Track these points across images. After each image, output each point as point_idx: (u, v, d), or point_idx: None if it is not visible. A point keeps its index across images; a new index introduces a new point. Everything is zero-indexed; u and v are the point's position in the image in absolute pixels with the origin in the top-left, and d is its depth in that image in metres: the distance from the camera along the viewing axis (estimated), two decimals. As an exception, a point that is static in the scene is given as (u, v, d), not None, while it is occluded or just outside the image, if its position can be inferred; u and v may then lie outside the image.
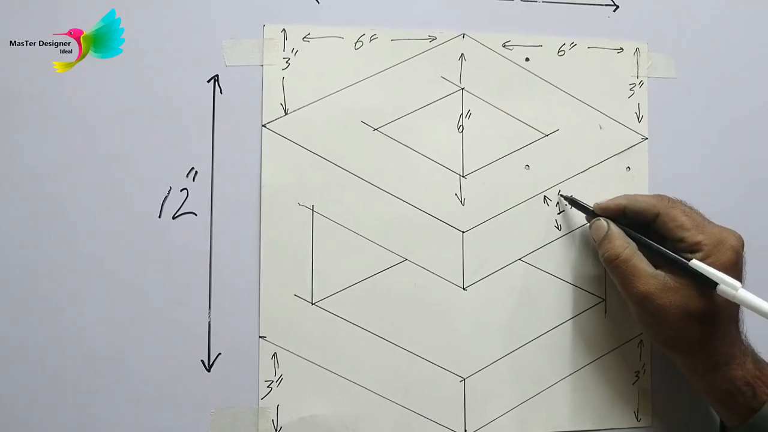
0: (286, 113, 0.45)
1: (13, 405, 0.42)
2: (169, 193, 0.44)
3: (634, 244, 0.43)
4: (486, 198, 0.46)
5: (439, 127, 0.46)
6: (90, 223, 0.43)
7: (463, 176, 0.46)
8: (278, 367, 0.44)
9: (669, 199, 0.44)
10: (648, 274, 0.41)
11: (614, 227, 0.43)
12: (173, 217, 0.44)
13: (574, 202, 0.46)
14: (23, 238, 0.42)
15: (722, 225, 0.43)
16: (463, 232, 0.46)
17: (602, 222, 0.44)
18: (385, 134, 0.45)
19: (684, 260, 0.41)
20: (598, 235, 0.44)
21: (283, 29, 0.45)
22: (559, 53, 0.48)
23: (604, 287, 0.47)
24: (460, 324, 0.46)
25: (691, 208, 0.43)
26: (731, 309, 0.41)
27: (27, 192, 0.43)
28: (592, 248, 0.47)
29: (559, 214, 0.47)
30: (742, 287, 0.39)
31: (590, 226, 0.45)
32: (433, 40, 0.46)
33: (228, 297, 0.44)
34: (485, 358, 0.46)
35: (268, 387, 0.44)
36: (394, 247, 0.45)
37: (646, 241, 0.43)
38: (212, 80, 0.44)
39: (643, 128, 0.48)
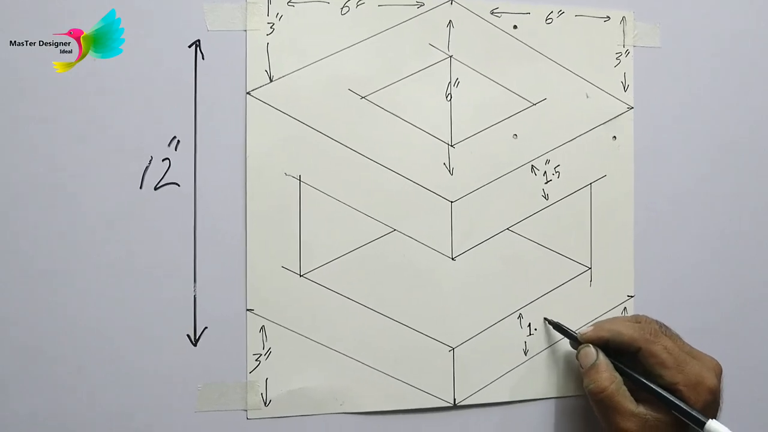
0: (271, 80, 0.43)
1: (-9, 384, 0.41)
2: (150, 163, 0.42)
3: (620, 377, 0.42)
4: (474, 167, 0.46)
5: (427, 95, 0.45)
6: (69, 195, 0.41)
7: (451, 145, 0.46)
8: (266, 340, 0.43)
9: (651, 332, 0.42)
10: (630, 412, 0.41)
11: (602, 357, 0.43)
12: (155, 188, 0.42)
13: (558, 328, 0.46)
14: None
15: (701, 351, 0.43)
16: (451, 201, 0.46)
17: (591, 350, 0.43)
18: (372, 102, 0.45)
19: (673, 399, 0.40)
20: (585, 364, 0.43)
21: (267, -7, 0.43)
22: (547, 21, 0.47)
23: (590, 256, 0.48)
24: (449, 294, 0.45)
25: (673, 340, 0.42)
26: None
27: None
28: (578, 218, 0.47)
29: (546, 183, 0.47)
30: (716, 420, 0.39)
31: (578, 352, 0.44)
32: (421, 6, 0.45)
33: (214, 270, 0.43)
34: (473, 327, 0.46)
35: (256, 360, 0.43)
36: (382, 217, 0.45)
37: (634, 376, 0.42)
38: (193, 45, 0.43)
39: (629, 97, 0.48)
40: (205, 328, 0.43)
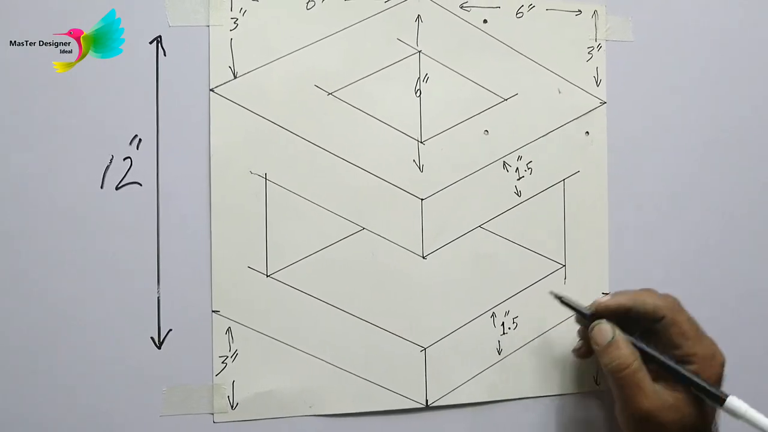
0: (235, 77, 0.42)
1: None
2: (111, 162, 0.41)
3: (638, 353, 0.40)
4: (445, 164, 0.45)
5: (395, 91, 0.45)
6: (27, 195, 0.40)
7: (421, 142, 0.45)
8: (233, 342, 0.42)
9: (676, 302, 0.42)
10: (652, 391, 0.39)
11: (619, 334, 0.41)
12: (116, 188, 0.41)
13: (565, 303, 0.44)
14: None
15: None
16: (421, 199, 0.45)
17: (606, 326, 0.41)
18: (339, 99, 0.44)
19: (692, 377, 0.40)
20: (602, 341, 0.41)
21: (230, -13, 0.42)
22: (518, 15, 0.46)
23: (564, 253, 0.47)
24: (420, 293, 0.45)
25: (692, 317, 0.42)
26: (715, 419, 0.41)
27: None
28: (552, 214, 0.47)
29: (518, 180, 0.46)
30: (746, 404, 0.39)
31: (591, 329, 0.42)
32: (388, 0, 0.44)
33: (178, 271, 0.42)
34: (445, 326, 0.45)
35: (222, 363, 0.42)
36: (351, 215, 0.44)
37: (652, 353, 0.41)
38: (155, 41, 0.42)
39: (602, 92, 0.48)
40: (170, 330, 0.42)
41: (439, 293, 0.45)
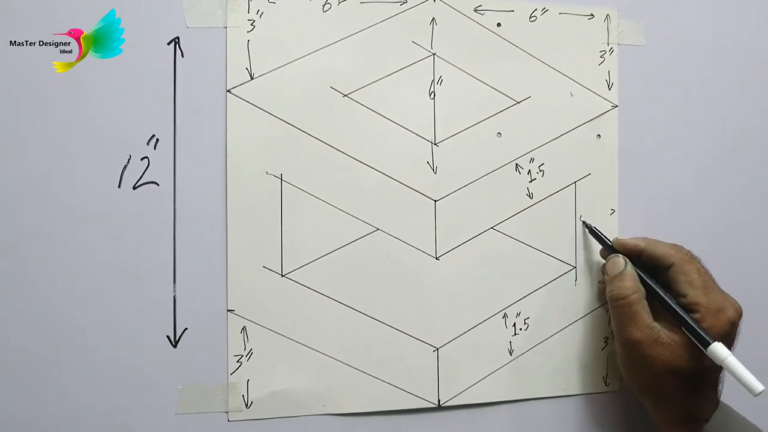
0: (251, 78, 0.43)
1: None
2: (129, 162, 0.41)
3: (643, 290, 0.43)
4: (458, 166, 0.46)
5: (410, 93, 0.45)
6: (46, 195, 0.41)
7: (435, 144, 0.45)
8: (248, 341, 0.42)
9: (688, 253, 0.44)
10: (645, 324, 0.41)
11: (630, 268, 0.43)
12: (134, 188, 0.42)
13: (593, 232, 0.46)
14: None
15: (725, 291, 0.43)
16: (435, 200, 0.45)
17: (620, 259, 0.44)
18: (354, 101, 0.44)
19: (684, 316, 0.41)
20: (613, 272, 0.44)
21: (247, -11, 0.43)
22: (531, 19, 0.47)
23: (575, 255, 0.48)
24: (433, 294, 0.45)
25: (704, 268, 0.43)
26: (714, 372, 0.42)
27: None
28: (563, 217, 0.47)
29: (530, 182, 0.47)
30: (732, 354, 0.39)
31: (606, 260, 0.45)
32: (404, 3, 0.45)
33: (194, 270, 0.42)
34: (458, 327, 0.45)
35: (237, 362, 0.42)
36: (365, 216, 0.44)
37: (654, 287, 0.43)
38: (173, 42, 0.42)
39: (614, 96, 0.48)
40: (186, 329, 0.42)
41: (451, 294, 0.45)
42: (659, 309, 0.43)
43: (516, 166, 0.47)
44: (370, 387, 0.44)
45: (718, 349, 0.39)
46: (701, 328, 0.40)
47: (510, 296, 0.46)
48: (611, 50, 0.48)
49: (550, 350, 0.47)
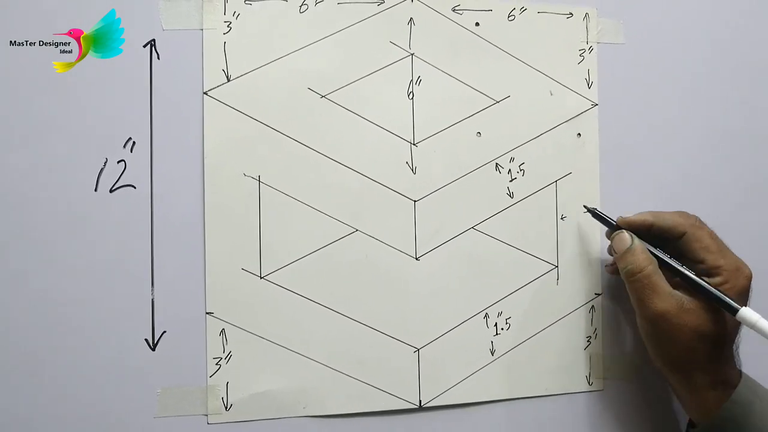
0: (228, 80, 0.43)
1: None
2: (105, 165, 0.41)
3: (656, 261, 0.42)
4: (438, 166, 0.45)
5: (388, 93, 0.45)
6: (22, 198, 0.40)
7: (414, 144, 0.45)
8: (227, 343, 0.42)
9: (696, 218, 0.44)
10: (667, 293, 0.41)
11: (637, 241, 0.43)
12: (110, 191, 0.41)
13: (596, 215, 0.45)
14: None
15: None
16: (414, 201, 0.45)
17: (626, 235, 0.43)
18: (332, 101, 0.44)
19: (707, 285, 0.41)
20: (621, 248, 0.43)
21: (224, -9, 0.43)
22: (510, 18, 0.47)
23: (556, 254, 0.47)
24: (413, 294, 0.45)
25: (713, 231, 0.43)
26: (734, 335, 0.42)
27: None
28: (545, 216, 0.47)
29: (511, 181, 0.47)
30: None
31: (612, 239, 0.44)
32: (381, 3, 0.45)
33: (172, 273, 0.42)
34: (439, 327, 0.45)
35: (216, 364, 0.42)
36: (344, 217, 0.44)
37: (667, 260, 0.42)
38: (149, 45, 0.42)
39: (593, 94, 0.48)
40: (164, 332, 0.42)
41: (432, 294, 0.45)
42: (676, 282, 0.42)
43: (496, 166, 0.47)
44: (350, 388, 0.44)
45: (747, 313, 0.39)
46: (727, 295, 0.40)
47: (491, 296, 0.46)
48: (590, 49, 0.48)
49: (532, 350, 0.47)
